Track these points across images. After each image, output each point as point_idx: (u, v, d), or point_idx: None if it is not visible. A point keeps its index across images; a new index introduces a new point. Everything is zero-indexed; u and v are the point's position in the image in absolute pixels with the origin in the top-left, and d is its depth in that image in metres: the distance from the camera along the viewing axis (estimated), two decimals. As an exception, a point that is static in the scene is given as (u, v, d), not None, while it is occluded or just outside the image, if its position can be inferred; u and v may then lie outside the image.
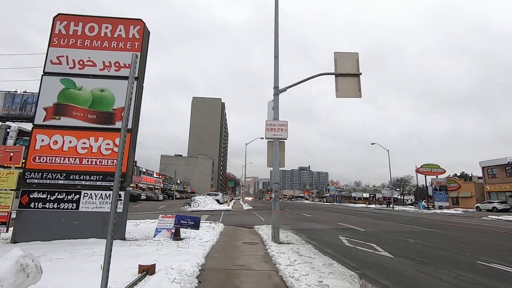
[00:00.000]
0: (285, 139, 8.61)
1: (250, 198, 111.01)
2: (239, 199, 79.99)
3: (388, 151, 46.39)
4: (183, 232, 9.03)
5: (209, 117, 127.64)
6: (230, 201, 40.44)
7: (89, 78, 8.48)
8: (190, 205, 29.17)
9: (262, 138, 48.35)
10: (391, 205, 56.71)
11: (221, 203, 35.51)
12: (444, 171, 45.45)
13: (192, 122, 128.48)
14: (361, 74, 9.10)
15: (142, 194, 36.71)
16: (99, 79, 8.51)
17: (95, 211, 7.72)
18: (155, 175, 66.09)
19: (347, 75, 9.08)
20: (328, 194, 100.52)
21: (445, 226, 15.00)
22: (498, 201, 38.24)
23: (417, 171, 45.30)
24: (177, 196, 59.04)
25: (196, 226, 6.45)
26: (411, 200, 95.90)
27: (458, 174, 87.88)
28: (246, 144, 45.90)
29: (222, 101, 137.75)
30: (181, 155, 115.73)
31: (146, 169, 62.11)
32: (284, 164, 8.64)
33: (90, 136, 8.13)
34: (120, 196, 7.91)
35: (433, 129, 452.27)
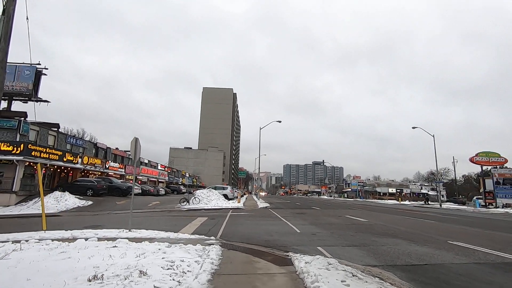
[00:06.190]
0: None
1: (263, 193, 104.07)
2: (251, 193, 72.87)
3: (433, 136, 38.15)
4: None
5: (220, 108, 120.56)
6: (241, 196, 33.33)
7: None
8: (188, 202, 22.24)
9: (280, 122, 40.97)
10: (429, 202, 48.20)
11: (229, 199, 28.45)
12: (506, 161, 36.58)
13: (203, 114, 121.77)
14: None
15: (135, 187, 30.07)
16: None
17: None
18: (159, 167, 59.86)
19: None
20: (350, 189, 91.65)
21: None
22: None
23: (471, 160, 36.70)
24: (183, 191, 52.62)
25: None
26: (443, 196, 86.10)
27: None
28: (261, 129, 38.65)
29: (234, 92, 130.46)
30: (190, 148, 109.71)
31: (149, 160, 56.02)
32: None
33: None
34: None
35: (445, 121, 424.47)
